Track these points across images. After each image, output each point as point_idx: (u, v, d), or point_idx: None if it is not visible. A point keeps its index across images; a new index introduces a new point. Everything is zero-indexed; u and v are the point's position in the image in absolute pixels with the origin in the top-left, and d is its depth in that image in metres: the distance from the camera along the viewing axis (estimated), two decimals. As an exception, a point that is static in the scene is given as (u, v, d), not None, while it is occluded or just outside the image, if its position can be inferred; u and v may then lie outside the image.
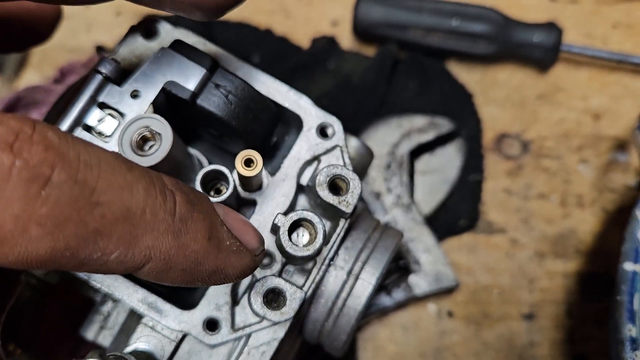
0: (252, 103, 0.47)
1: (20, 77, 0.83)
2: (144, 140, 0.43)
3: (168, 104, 0.47)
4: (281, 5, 0.86)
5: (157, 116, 0.43)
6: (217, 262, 0.36)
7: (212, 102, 0.46)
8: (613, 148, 0.80)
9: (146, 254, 0.33)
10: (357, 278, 0.53)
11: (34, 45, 0.56)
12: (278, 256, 0.50)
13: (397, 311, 0.75)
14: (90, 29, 0.85)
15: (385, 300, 0.72)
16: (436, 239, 0.74)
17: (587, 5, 0.85)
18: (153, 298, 0.47)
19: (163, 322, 0.47)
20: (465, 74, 0.82)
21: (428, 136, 0.77)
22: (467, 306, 0.75)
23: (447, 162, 0.79)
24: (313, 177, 0.49)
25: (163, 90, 0.45)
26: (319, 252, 0.46)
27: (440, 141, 0.79)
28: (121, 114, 0.45)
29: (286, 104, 0.51)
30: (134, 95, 0.45)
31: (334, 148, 0.51)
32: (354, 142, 0.56)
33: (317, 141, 0.51)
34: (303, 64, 0.82)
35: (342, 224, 0.51)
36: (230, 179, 0.47)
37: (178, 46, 0.46)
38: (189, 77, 0.45)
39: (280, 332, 0.49)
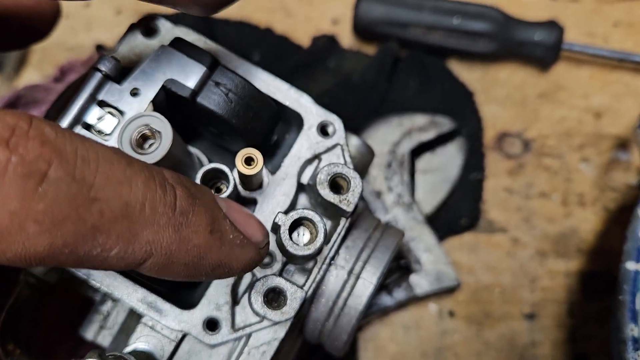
0: (252, 101, 0.47)
1: (20, 75, 0.82)
2: (143, 138, 0.43)
3: (168, 102, 0.47)
4: (281, 4, 0.85)
5: (157, 114, 0.43)
6: (220, 256, 0.36)
7: (212, 100, 0.45)
8: (614, 147, 0.80)
9: (147, 249, 0.32)
10: (358, 277, 0.52)
11: (33, 43, 0.56)
12: (279, 255, 0.50)
13: (398, 311, 0.75)
14: (90, 27, 0.84)
15: (386, 299, 0.72)
16: (437, 238, 0.74)
17: (588, 4, 0.85)
18: (153, 297, 0.47)
19: (163, 321, 0.47)
20: (466, 73, 0.82)
21: (429, 135, 0.77)
22: (469, 306, 0.75)
23: (448, 161, 0.78)
24: (314, 176, 0.49)
25: (163, 88, 0.45)
26: (319, 251, 0.45)
27: (441, 140, 0.78)
28: (121, 112, 0.45)
29: (287, 102, 0.51)
30: (134, 93, 0.45)
31: (334, 146, 0.51)
32: (354, 140, 0.56)
33: (318, 139, 0.51)
34: (303, 63, 0.81)
35: (343, 223, 0.50)
36: (231, 178, 0.46)
37: (178, 44, 0.46)
38: (189, 75, 0.45)
39: (281, 331, 0.48)
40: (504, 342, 0.74)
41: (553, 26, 0.79)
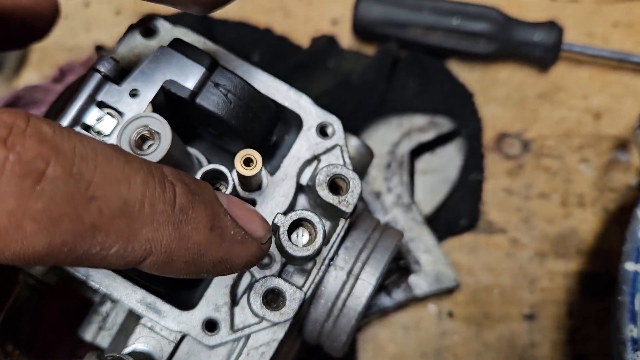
0: (251, 102, 0.47)
1: (19, 76, 0.82)
2: (142, 139, 0.43)
3: (167, 103, 0.47)
4: (281, 4, 0.85)
5: (156, 115, 0.43)
6: (221, 253, 0.36)
7: (212, 101, 0.45)
8: (614, 147, 0.80)
9: (146, 247, 0.32)
10: (357, 278, 0.52)
11: (32, 43, 0.56)
12: (278, 256, 0.50)
13: (398, 311, 0.75)
14: (89, 28, 0.84)
15: (385, 300, 0.72)
16: (436, 239, 0.74)
17: (587, 4, 0.85)
18: (152, 298, 0.47)
19: (162, 322, 0.47)
20: (465, 73, 0.82)
21: (428, 135, 0.77)
22: (468, 306, 0.75)
23: (448, 161, 0.78)
24: (313, 177, 0.49)
25: (162, 89, 0.45)
26: (318, 252, 0.45)
27: (441, 140, 0.78)
28: (120, 113, 0.45)
29: (286, 103, 0.51)
30: (133, 94, 0.45)
31: (333, 147, 0.51)
32: (354, 141, 0.56)
33: (317, 140, 0.51)
34: (303, 63, 0.81)
35: (342, 223, 0.50)
36: (230, 179, 0.46)
37: (177, 45, 0.46)
38: (188, 76, 0.45)
39: (280, 332, 0.48)
40: (503, 343, 0.74)
41: (552, 27, 0.79)
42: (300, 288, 0.47)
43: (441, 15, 0.79)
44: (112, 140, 0.44)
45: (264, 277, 0.46)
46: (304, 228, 0.46)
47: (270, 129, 0.50)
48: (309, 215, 0.45)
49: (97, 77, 0.44)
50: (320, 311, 0.52)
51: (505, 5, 0.81)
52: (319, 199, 0.47)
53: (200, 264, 0.35)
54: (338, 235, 0.50)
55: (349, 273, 0.52)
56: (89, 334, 0.52)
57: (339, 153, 0.51)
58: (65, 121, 0.43)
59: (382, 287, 0.72)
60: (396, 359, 0.74)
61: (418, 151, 0.78)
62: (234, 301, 0.48)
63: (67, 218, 0.30)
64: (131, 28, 0.50)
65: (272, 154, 0.53)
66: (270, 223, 0.47)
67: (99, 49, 0.83)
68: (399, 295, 0.72)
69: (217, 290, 0.48)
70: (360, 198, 0.49)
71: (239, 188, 0.49)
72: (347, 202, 0.48)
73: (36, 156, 0.29)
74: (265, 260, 0.50)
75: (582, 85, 0.82)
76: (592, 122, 0.81)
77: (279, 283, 0.46)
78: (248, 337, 0.48)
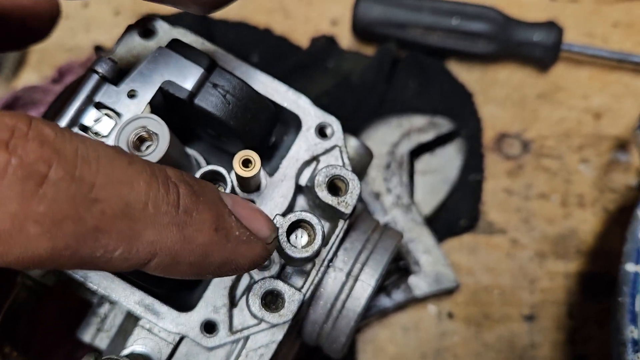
0: (250, 103, 0.47)
1: (18, 76, 0.82)
2: (140, 140, 0.43)
3: (165, 103, 0.47)
4: (280, 5, 0.85)
5: (154, 116, 0.43)
6: (226, 253, 0.35)
7: (210, 101, 0.45)
8: (614, 147, 0.79)
9: (151, 249, 0.32)
10: (356, 279, 0.52)
11: (33, 44, 0.56)
12: (276, 258, 0.50)
13: (397, 312, 0.75)
14: (89, 28, 0.84)
15: (385, 301, 0.72)
16: (436, 239, 0.74)
17: (587, 4, 0.85)
18: (150, 300, 0.47)
19: (160, 324, 0.47)
20: (465, 73, 0.82)
21: (428, 136, 0.77)
22: (468, 307, 0.75)
23: (447, 162, 0.78)
24: (312, 178, 0.49)
25: (160, 89, 0.45)
26: (317, 253, 0.45)
27: (440, 141, 0.78)
28: (118, 114, 0.44)
29: (285, 104, 0.51)
30: (131, 95, 0.45)
31: (333, 148, 0.51)
32: (353, 142, 0.55)
33: (316, 141, 0.51)
34: (302, 64, 0.81)
35: (341, 224, 0.50)
36: (228, 180, 0.46)
37: (175, 45, 0.46)
38: (187, 77, 0.45)
39: (279, 334, 0.48)
40: (503, 344, 0.74)
41: (552, 27, 0.78)
42: (299, 289, 0.47)
43: (441, 15, 0.79)
44: (110, 141, 0.44)
45: (262, 279, 0.46)
46: (303, 229, 0.46)
47: (269, 130, 0.50)
48: (308, 216, 0.45)
49: (95, 78, 0.44)
50: (320, 312, 0.52)
51: (504, 5, 0.81)
52: (318, 200, 0.47)
53: (205, 265, 0.35)
54: (337, 236, 0.50)
55: (348, 274, 0.52)
56: (87, 336, 0.52)
57: (338, 154, 0.51)
58: (63, 122, 0.43)
59: (381, 288, 0.72)
60: (396, 360, 0.74)
61: (418, 151, 0.78)
62: (232, 303, 0.48)
63: (70, 220, 0.29)
64: (129, 29, 0.50)
65: (270, 154, 0.53)
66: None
67: (98, 49, 0.82)
68: (398, 296, 0.72)
69: (216, 291, 0.48)
70: (360, 199, 0.49)
71: (237, 189, 0.49)
72: (346, 203, 0.47)
73: (38, 159, 0.29)
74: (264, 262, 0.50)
75: (582, 86, 0.82)
76: (592, 122, 0.80)
77: (277, 284, 0.46)
78: (247, 338, 0.48)
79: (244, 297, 0.48)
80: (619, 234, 0.64)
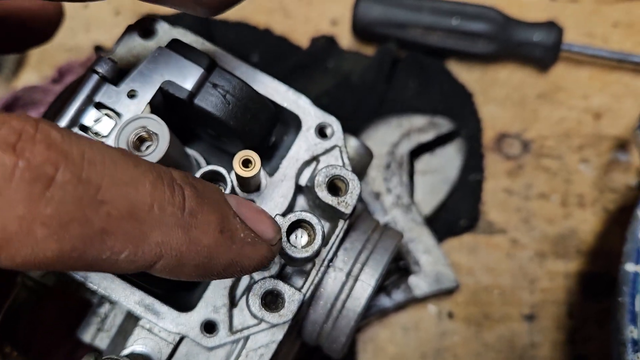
0: (250, 103, 0.47)
1: (18, 77, 0.82)
2: (140, 140, 0.43)
3: (165, 103, 0.47)
4: (280, 5, 0.85)
5: (154, 116, 0.43)
6: (232, 255, 0.35)
7: (210, 102, 0.45)
8: (614, 147, 0.79)
9: (157, 251, 0.32)
10: (356, 279, 0.52)
11: (36, 46, 0.56)
12: (277, 258, 0.50)
13: (397, 312, 0.75)
14: (89, 28, 0.84)
15: (385, 301, 0.72)
16: (436, 239, 0.74)
17: (587, 4, 0.85)
18: (150, 300, 0.47)
19: (160, 324, 0.47)
20: (465, 73, 0.82)
21: (428, 136, 0.77)
22: (468, 307, 0.75)
23: (447, 162, 0.78)
24: (312, 178, 0.49)
25: (160, 90, 0.45)
26: (317, 253, 0.45)
27: (440, 141, 0.78)
28: (118, 114, 0.44)
29: (285, 104, 0.51)
30: (131, 95, 0.45)
31: (333, 148, 0.51)
32: (353, 142, 0.55)
33: (316, 141, 0.51)
34: (302, 64, 0.81)
35: (341, 224, 0.50)
36: (228, 180, 0.46)
37: (175, 45, 0.46)
38: (187, 77, 0.45)
39: (279, 334, 0.48)
40: (503, 344, 0.74)
41: (552, 27, 0.78)
42: (299, 289, 0.47)
43: (441, 15, 0.79)
44: (110, 141, 0.44)
45: (262, 279, 0.46)
46: (303, 229, 0.46)
47: (269, 130, 0.50)
48: (308, 216, 0.45)
49: (95, 78, 0.44)
50: (320, 312, 0.52)
51: (504, 5, 0.80)
52: (318, 200, 0.47)
53: (210, 267, 0.35)
54: (337, 236, 0.50)
55: (348, 274, 0.52)
56: (87, 336, 0.51)
57: (338, 154, 0.51)
58: (63, 122, 0.43)
59: (381, 287, 0.72)
60: (396, 360, 0.74)
61: (418, 152, 0.78)
62: (232, 303, 0.48)
63: (77, 223, 0.30)
64: (129, 29, 0.50)
65: (270, 155, 0.53)
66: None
67: (98, 49, 0.82)
68: (398, 296, 0.72)
69: (216, 291, 0.48)
70: (360, 199, 0.49)
71: (237, 189, 0.49)
72: (346, 203, 0.47)
73: (45, 162, 0.29)
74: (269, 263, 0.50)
75: (582, 86, 0.82)
76: (592, 122, 0.80)
77: (277, 284, 0.46)
78: (247, 338, 0.48)
79: (244, 297, 0.48)
80: (619, 234, 0.64)
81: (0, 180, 0.28)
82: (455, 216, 0.77)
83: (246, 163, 0.44)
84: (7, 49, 0.55)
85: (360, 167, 0.56)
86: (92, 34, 0.84)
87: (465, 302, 0.75)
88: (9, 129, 0.29)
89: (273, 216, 0.45)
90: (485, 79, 0.82)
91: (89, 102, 0.44)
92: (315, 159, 0.51)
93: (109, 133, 0.44)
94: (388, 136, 0.77)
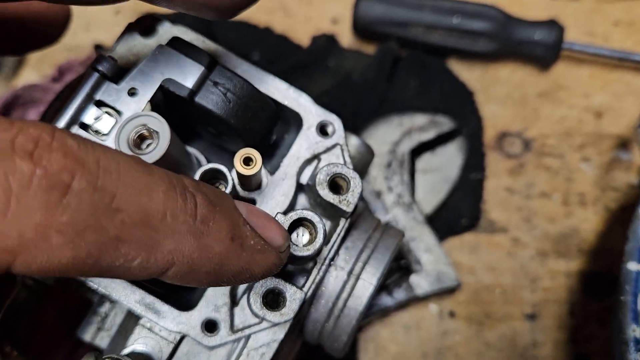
0: (251, 101, 0.46)
1: (18, 75, 0.82)
2: (141, 138, 0.43)
3: (166, 102, 0.46)
4: (281, 3, 0.85)
5: (155, 114, 0.43)
6: (242, 262, 0.36)
7: (211, 100, 0.45)
8: (615, 146, 0.79)
9: (169, 258, 0.33)
10: (357, 278, 0.52)
11: (43, 47, 0.56)
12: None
13: (399, 311, 0.74)
14: (89, 27, 0.84)
15: (386, 300, 0.71)
16: (437, 238, 0.74)
17: (588, 3, 0.84)
18: (151, 299, 0.46)
19: (161, 323, 0.46)
20: (466, 72, 0.82)
21: (429, 135, 0.77)
22: (469, 306, 0.75)
23: (448, 160, 0.78)
24: (313, 176, 0.49)
25: (161, 88, 0.45)
26: (319, 252, 0.45)
27: (441, 140, 0.78)
28: (118, 112, 0.44)
29: (286, 102, 0.51)
30: (132, 93, 0.44)
31: (334, 146, 0.51)
32: (354, 140, 0.55)
33: (317, 139, 0.51)
34: (303, 63, 0.81)
35: (343, 223, 0.50)
36: (229, 178, 0.46)
37: (176, 44, 0.46)
38: (187, 75, 0.45)
39: (280, 333, 0.48)
40: (504, 343, 0.73)
41: (553, 25, 0.78)
42: (301, 288, 0.47)
43: (441, 14, 0.78)
44: (111, 139, 0.44)
45: (264, 277, 0.46)
46: (305, 228, 0.46)
47: (269, 128, 0.49)
48: (310, 214, 0.45)
49: (95, 76, 0.44)
50: (321, 311, 0.52)
51: (505, 3, 0.80)
52: (319, 198, 0.47)
53: (221, 274, 0.35)
54: (338, 235, 0.50)
55: (350, 273, 0.52)
56: (87, 335, 0.51)
57: (339, 152, 0.51)
58: (64, 120, 0.43)
59: (383, 286, 0.72)
60: (397, 359, 0.73)
61: (419, 150, 0.78)
62: (233, 302, 0.48)
63: (92, 230, 0.30)
64: (130, 27, 0.50)
65: (271, 153, 0.53)
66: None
67: (98, 48, 0.82)
68: (400, 294, 0.72)
69: (217, 290, 0.47)
70: (361, 197, 0.49)
71: (238, 187, 0.49)
72: (347, 202, 0.47)
73: (62, 170, 0.29)
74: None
75: (583, 84, 0.82)
76: (593, 120, 0.80)
77: (279, 283, 0.46)
78: (248, 337, 0.48)
79: (245, 296, 0.48)
80: (620, 232, 0.63)
81: (18, 188, 0.28)
82: (457, 215, 0.77)
83: (247, 161, 0.44)
84: (16, 51, 0.55)
85: (362, 166, 0.56)
86: (92, 33, 0.84)
87: (467, 301, 0.75)
88: (26, 136, 0.29)
89: (274, 215, 0.45)
90: (486, 77, 0.82)
91: (89, 100, 0.44)
92: (316, 157, 0.51)
93: (110, 131, 0.44)
94: (389, 135, 0.77)
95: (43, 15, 0.53)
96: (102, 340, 0.51)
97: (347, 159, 0.51)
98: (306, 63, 0.81)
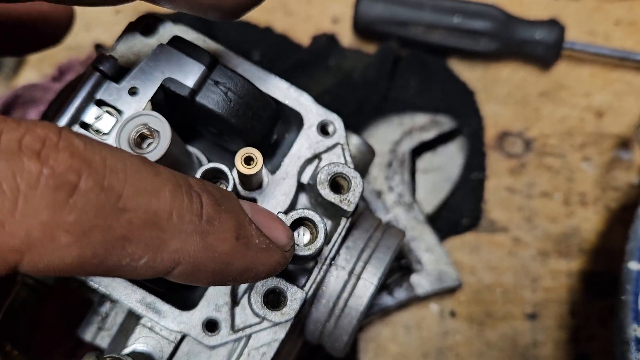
0: (251, 100, 0.46)
1: (18, 75, 0.82)
2: (142, 137, 0.43)
3: (167, 101, 0.46)
4: (281, 3, 0.85)
5: (156, 113, 0.43)
6: (247, 262, 0.36)
7: (211, 99, 0.45)
8: (616, 146, 0.79)
9: (175, 257, 0.33)
10: (358, 278, 0.52)
11: (46, 48, 0.56)
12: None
13: (399, 311, 0.74)
14: (89, 27, 0.84)
15: (387, 300, 0.71)
16: (438, 238, 0.74)
17: (589, 2, 0.84)
18: (152, 298, 0.46)
19: (162, 322, 0.46)
20: (466, 72, 0.82)
21: (430, 134, 0.77)
22: (470, 306, 0.75)
23: (449, 160, 0.78)
24: (314, 176, 0.49)
25: (162, 87, 0.45)
26: (320, 251, 0.45)
27: (442, 139, 0.78)
28: (119, 112, 0.44)
29: (286, 102, 0.51)
30: (132, 92, 0.44)
31: (335, 146, 0.51)
32: (355, 139, 0.55)
33: (318, 139, 0.51)
34: (303, 62, 0.81)
35: (344, 223, 0.50)
36: (230, 178, 0.46)
37: (177, 43, 0.46)
38: (188, 74, 0.45)
39: (281, 332, 0.48)
40: (505, 342, 0.73)
41: (554, 25, 0.78)
42: (302, 288, 0.47)
43: (442, 13, 0.78)
44: (111, 138, 0.44)
45: (264, 277, 0.46)
46: (305, 227, 0.46)
47: (270, 128, 0.49)
48: (310, 214, 0.45)
49: (95, 76, 0.44)
50: (322, 311, 0.52)
51: (506, 3, 0.80)
52: (320, 197, 0.47)
53: (226, 273, 0.36)
54: (339, 234, 0.50)
55: (351, 273, 0.52)
56: (88, 334, 0.51)
57: (340, 152, 0.51)
58: (64, 119, 0.43)
59: (383, 286, 0.72)
60: (398, 359, 0.73)
61: (419, 150, 0.78)
62: (234, 301, 0.48)
63: (99, 230, 0.30)
64: (130, 26, 0.50)
65: (272, 152, 0.53)
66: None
67: (99, 47, 0.82)
68: (400, 294, 0.72)
69: (218, 290, 0.47)
70: (362, 197, 0.49)
71: (239, 187, 0.49)
72: (348, 201, 0.47)
73: (69, 169, 0.29)
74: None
75: (584, 84, 0.82)
76: (594, 120, 0.80)
77: (280, 283, 0.46)
78: (249, 337, 0.48)
79: (246, 296, 0.48)
80: (621, 232, 0.63)
81: (26, 188, 0.28)
82: (457, 215, 0.77)
83: (248, 160, 0.44)
84: (20, 51, 0.55)
85: (362, 165, 0.56)
86: (93, 32, 0.84)
87: (468, 300, 0.75)
88: (33, 136, 0.29)
89: (275, 214, 0.45)
90: (487, 77, 0.82)
91: (89, 99, 0.44)
92: (317, 156, 0.51)
93: (110, 130, 0.44)
94: (389, 134, 0.77)
95: (47, 16, 0.53)
96: (103, 340, 0.51)
97: (348, 159, 0.51)
98: (307, 62, 0.81)
